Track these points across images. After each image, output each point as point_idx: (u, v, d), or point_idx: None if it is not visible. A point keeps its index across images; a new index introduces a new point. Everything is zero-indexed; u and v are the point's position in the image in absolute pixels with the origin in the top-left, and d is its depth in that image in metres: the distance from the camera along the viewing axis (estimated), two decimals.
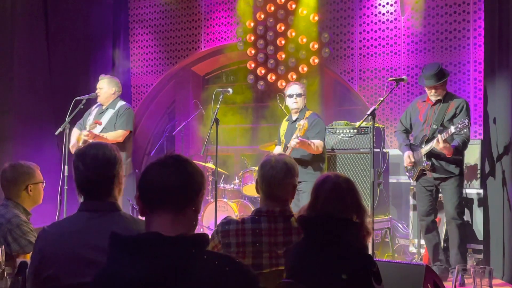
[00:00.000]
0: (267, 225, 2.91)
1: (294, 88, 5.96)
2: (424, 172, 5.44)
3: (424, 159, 5.36)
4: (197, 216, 1.86)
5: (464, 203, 5.60)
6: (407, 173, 5.69)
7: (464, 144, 5.25)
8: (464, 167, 5.56)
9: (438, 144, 5.09)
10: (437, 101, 5.42)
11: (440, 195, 5.60)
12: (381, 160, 6.23)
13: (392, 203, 6.67)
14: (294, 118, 5.96)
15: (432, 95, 5.41)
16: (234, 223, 2.93)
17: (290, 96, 5.93)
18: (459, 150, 5.27)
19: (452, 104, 5.37)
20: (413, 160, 5.45)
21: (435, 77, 5.30)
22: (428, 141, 5.34)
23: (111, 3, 9.02)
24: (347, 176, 2.79)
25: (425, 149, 5.35)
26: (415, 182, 5.60)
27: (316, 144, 5.66)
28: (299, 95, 5.90)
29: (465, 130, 5.07)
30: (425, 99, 5.56)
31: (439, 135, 5.11)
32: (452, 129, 5.05)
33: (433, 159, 5.34)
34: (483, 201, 5.77)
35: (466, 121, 5.00)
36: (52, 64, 8.12)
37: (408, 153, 5.51)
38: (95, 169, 2.44)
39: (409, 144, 5.61)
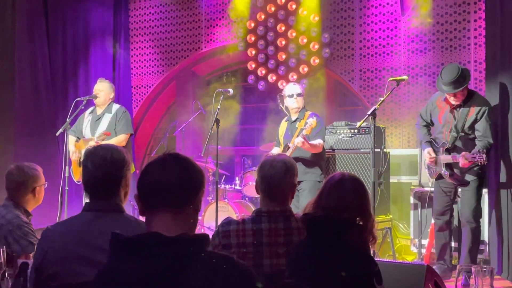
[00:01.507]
0: (267, 225, 2.91)
1: (293, 88, 5.98)
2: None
3: (444, 168, 5.23)
4: (197, 215, 1.86)
5: None
6: (427, 170, 5.58)
7: (486, 152, 5.04)
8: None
9: (463, 165, 5.00)
10: (458, 105, 5.20)
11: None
12: (382, 160, 6.23)
13: (393, 203, 6.66)
14: (293, 118, 5.96)
15: (452, 101, 5.19)
16: (234, 224, 2.93)
17: (290, 96, 5.93)
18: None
19: (473, 109, 5.13)
20: (433, 155, 5.30)
21: (454, 84, 5.04)
22: (448, 151, 5.21)
23: (112, 4, 9.04)
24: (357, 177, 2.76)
25: (444, 158, 5.21)
26: (434, 181, 5.48)
27: (319, 143, 5.69)
28: (299, 94, 5.91)
29: (483, 158, 4.87)
30: (445, 98, 5.30)
31: (461, 159, 4.97)
32: (470, 157, 4.90)
33: (455, 170, 5.24)
34: (487, 201, 5.75)
35: (484, 156, 4.83)
36: (53, 65, 8.14)
37: (428, 149, 5.35)
38: (102, 169, 2.47)
39: (429, 141, 5.44)
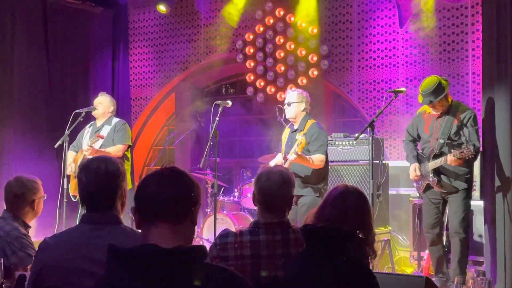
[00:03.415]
0: (265, 237, 2.90)
1: (287, 96, 5.69)
2: (431, 186, 5.31)
3: (431, 174, 5.21)
4: (194, 228, 1.87)
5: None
6: (414, 184, 5.56)
7: (474, 156, 5.02)
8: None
9: (450, 162, 4.99)
10: (442, 113, 5.25)
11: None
12: (381, 171, 6.22)
13: (392, 214, 6.65)
14: (295, 127, 5.64)
15: (433, 111, 5.26)
16: (232, 236, 2.91)
17: (284, 104, 5.69)
18: (468, 161, 5.10)
19: (459, 116, 5.18)
20: (419, 174, 5.31)
21: (432, 94, 5.11)
22: (436, 156, 5.20)
23: (111, 16, 9.08)
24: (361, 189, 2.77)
25: (432, 164, 5.20)
26: (422, 193, 5.45)
27: (317, 158, 5.38)
28: (289, 103, 5.60)
29: (470, 151, 4.85)
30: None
31: (449, 156, 4.99)
32: (457, 153, 4.89)
33: (441, 176, 5.21)
34: (483, 213, 5.74)
35: (472, 148, 4.83)
36: (51, 77, 8.15)
37: (414, 165, 5.34)
38: (97, 181, 2.46)
39: (416, 155, 5.44)
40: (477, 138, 5.14)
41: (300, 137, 5.13)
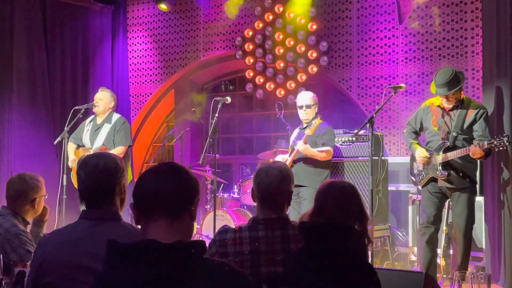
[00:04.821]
0: (264, 233, 2.90)
1: (303, 99, 5.95)
2: (434, 179, 5.15)
3: (440, 168, 5.05)
4: (192, 223, 1.87)
5: None
6: (412, 178, 5.40)
7: (504, 148, 4.84)
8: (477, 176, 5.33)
9: (473, 154, 4.79)
10: (454, 107, 5.09)
11: (449, 202, 5.32)
12: (380, 168, 6.22)
13: (391, 211, 6.64)
14: (304, 125, 5.95)
15: (444, 103, 5.10)
16: (231, 232, 2.91)
17: (300, 107, 5.94)
18: (489, 155, 4.99)
19: (471, 110, 5.02)
20: (428, 155, 5.12)
21: (447, 85, 4.93)
22: (448, 149, 5.02)
23: (110, 13, 9.08)
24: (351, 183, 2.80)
25: (442, 157, 5.03)
26: (421, 188, 5.32)
27: (324, 150, 5.67)
28: (308, 106, 5.90)
29: (504, 141, 4.64)
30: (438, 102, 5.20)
31: (472, 147, 4.78)
32: (486, 144, 4.69)
33: (451, 171, 5.04)
34: (483, 209, 5.73)
35: (506, 139, 4.62)
36: (51, 74, 8.15)
37: (421, 149, 5.18)
38: (95, 177, 2.46)
39: (419, 143, 5.31)
40: (489, 135, 4.96)
41: (315, 120, 5.53)
